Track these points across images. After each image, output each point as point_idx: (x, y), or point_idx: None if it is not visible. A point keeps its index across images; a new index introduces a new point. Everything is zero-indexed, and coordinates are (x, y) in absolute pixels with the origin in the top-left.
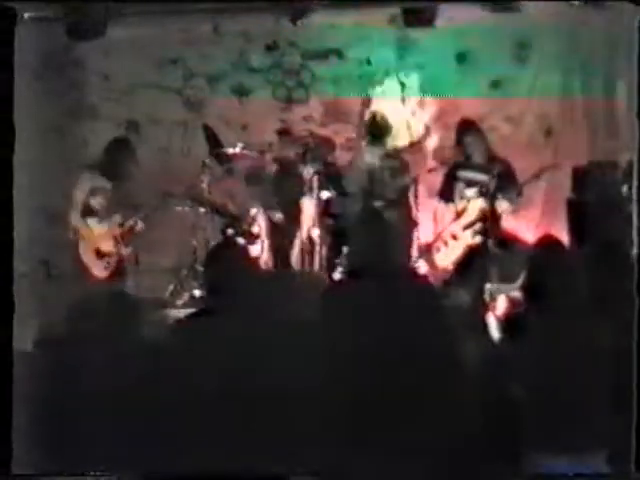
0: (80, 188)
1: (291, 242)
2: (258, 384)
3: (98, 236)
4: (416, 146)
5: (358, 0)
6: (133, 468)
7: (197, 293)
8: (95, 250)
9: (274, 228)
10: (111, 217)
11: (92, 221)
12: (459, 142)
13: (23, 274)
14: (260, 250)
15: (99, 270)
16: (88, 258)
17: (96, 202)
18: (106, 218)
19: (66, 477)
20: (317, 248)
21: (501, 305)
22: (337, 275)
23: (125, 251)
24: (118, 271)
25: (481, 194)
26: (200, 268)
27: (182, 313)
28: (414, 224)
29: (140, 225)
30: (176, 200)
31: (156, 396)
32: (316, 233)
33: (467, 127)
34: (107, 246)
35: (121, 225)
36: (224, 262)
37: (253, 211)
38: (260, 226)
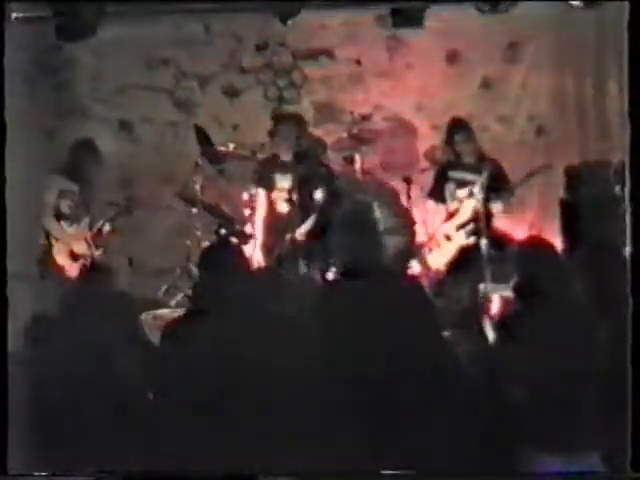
0: (49, 191)
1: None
2: (251, 384)
3: (70, 239)
4: None
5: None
6: (127, 467)
7: (190, 293)
8: (69, 252)
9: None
10: (80, 220)
11: (64, 224)
12: (449, 142)
13: (17, 274)
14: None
15: (74, 272)
16: (63, 260)
17: (65, 205)
18: (76, 221)
19: (61, 477)
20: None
21: (495, 305)
22: (330, 275)
23: (97, 253)
24: (94, 273)
25: (473, 194)
26: (194, 268)
27: (175, 313)
28: (407, 224)
29: (108, 227)
30: (142, 202)
31: (149, 395)
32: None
33: (457, 127)
34: (80, 248)
35: (90, 228)
36: (218, 262)
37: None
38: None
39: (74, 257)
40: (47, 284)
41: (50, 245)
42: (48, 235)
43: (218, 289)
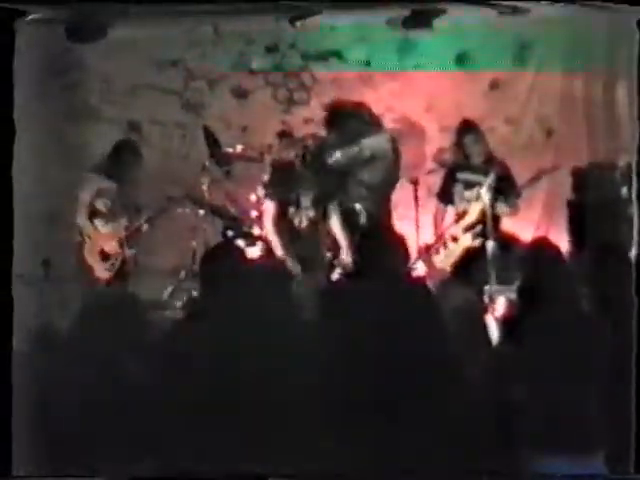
0: (86, 189)
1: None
2: (254, 385)
3: (103, 238)
4: None
5: (359, 1)
6: (132, 469)
7: (196, 294)
8: (99, 251)
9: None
10: (117, 219)
11: (98, 222)
12: (458, 143)
13: (22, 276)
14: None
15: (102, 272)
16: (92, 259)
17: (102, 204)
18: (112, 220)
19: (66, 479)
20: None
21: (500, 307)
22: (335, 276)
23: (129, 253)
24: (121, 273)
25: (480, 196)
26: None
27: (181, 314)
28: (414, 226)
29: (145, 227)
30: (180, 203)
31: (154, 397)
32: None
33: (466, 128)
34: (111, 248)
35: (127, 227)
36: (221, 263)
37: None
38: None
39: (104, 256)
40: (50, 286)
41: (82, 244)
42: (81, 233)
43: (221, 290)
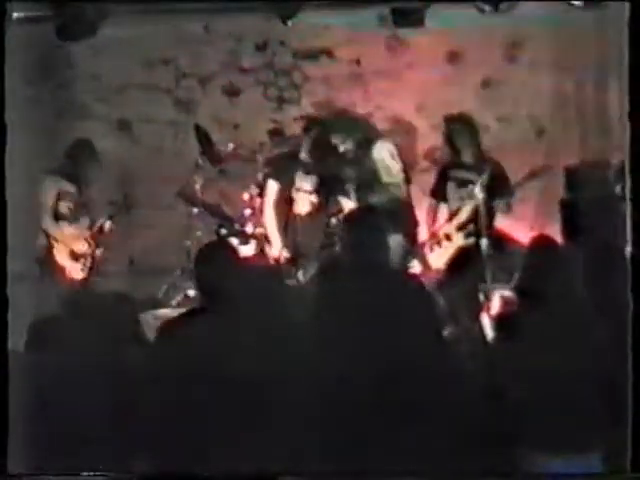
0: (47, 192)
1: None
2: (250, 382)
3: (70, 239)
4: None
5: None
6: (127, 467)
7: (191, 293)
8: (69, 252)
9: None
10: (79, 220)
11: (63, 224)
12: (450, 141)
13: (17, 274)
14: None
15: (75, 272)
16: (63, 260)
17: (63, 206)
18: (75, 221)
19: (61, 477)
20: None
21: (495, 305)
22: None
23: (98, 252)
24: (94, 272)
25: (473, 194)
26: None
27: (176, 313)
28: (411, 223)
29: (109, 226)
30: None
31: (149, 395)
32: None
33: (457, 126)
34: (80, 248)
35: (90, 227)
36: (214, 262)
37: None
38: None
39: (75, 257)
40: (48, 285)
41: (50, 246)
42: (48, 236)
43: (215, 288)
